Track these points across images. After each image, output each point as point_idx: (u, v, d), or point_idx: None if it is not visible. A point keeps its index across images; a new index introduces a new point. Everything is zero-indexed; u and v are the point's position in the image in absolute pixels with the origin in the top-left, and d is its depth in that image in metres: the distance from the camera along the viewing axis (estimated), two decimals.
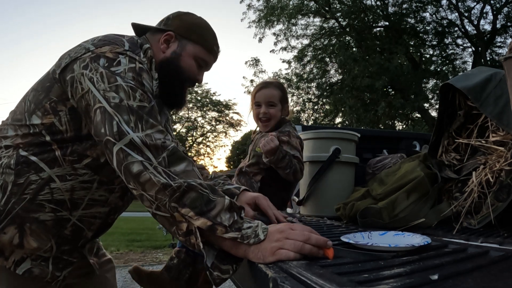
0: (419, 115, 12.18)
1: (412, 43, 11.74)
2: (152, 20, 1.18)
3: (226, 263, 0.73)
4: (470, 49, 11.48)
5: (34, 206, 0.88)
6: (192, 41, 1.06)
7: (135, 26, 1.11)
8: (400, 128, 13.81)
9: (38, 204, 0.88)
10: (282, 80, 11.86)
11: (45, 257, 0.91)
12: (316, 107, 12.92)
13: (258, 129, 1.84)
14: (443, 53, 11.62)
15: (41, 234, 0.89)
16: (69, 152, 0.89)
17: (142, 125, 0.79)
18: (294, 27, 11.98)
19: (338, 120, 13.15)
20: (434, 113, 11.04)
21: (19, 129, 0.91)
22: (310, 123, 12.57)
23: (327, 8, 11.43)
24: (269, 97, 1.70)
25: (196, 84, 1.12)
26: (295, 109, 12.34)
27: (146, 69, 0.90)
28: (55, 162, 0.89)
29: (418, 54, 11.77)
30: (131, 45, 0.93)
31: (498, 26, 10.69)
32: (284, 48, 12.28)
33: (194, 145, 28.17)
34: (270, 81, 1.81)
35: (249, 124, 11.62)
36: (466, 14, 10.95)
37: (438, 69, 11.56)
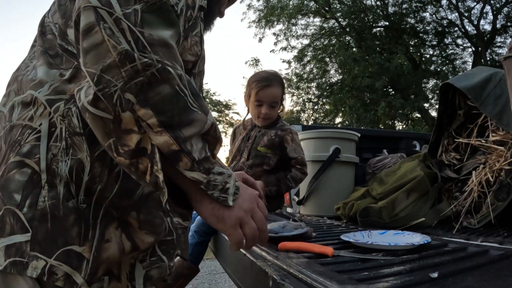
0: (419, 115, 12.17)
1: (412, 43, 11.73)
2: None
3: (179, 204, 0.53)
4: (470, 49, 11.49)
5: (133, 182, 0.57)
6: None
7: None
8: (400, 128, 13.79)
9: None
10: None
11: (151, 248, 0.63)
12: (316, 107, 12.92)
13: (247, 118, 1.79)
14: (443, 53, 11.62)
15: (153, 218, 0.60)
16: None
17: None
18: (294, 27, 11.99)
19: (338, 120, 13.15)
20: (434, 113, 11.03)
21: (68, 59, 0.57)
22: (310, 123, 12.56)
23: (327, 8, 11.43)
24: (273, 97, 1.62)
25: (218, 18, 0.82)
26: (295, 109, 12.34)
27: None
28: None
29: (418, 54, 11.77)
30: None
31: (498, 26, 10.69)
32: (284, 48, 12.28)
33: None
34: (270, 76, 1.64)
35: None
36: (466, 14, 10.94)
37: (438, 69, 11.55)
